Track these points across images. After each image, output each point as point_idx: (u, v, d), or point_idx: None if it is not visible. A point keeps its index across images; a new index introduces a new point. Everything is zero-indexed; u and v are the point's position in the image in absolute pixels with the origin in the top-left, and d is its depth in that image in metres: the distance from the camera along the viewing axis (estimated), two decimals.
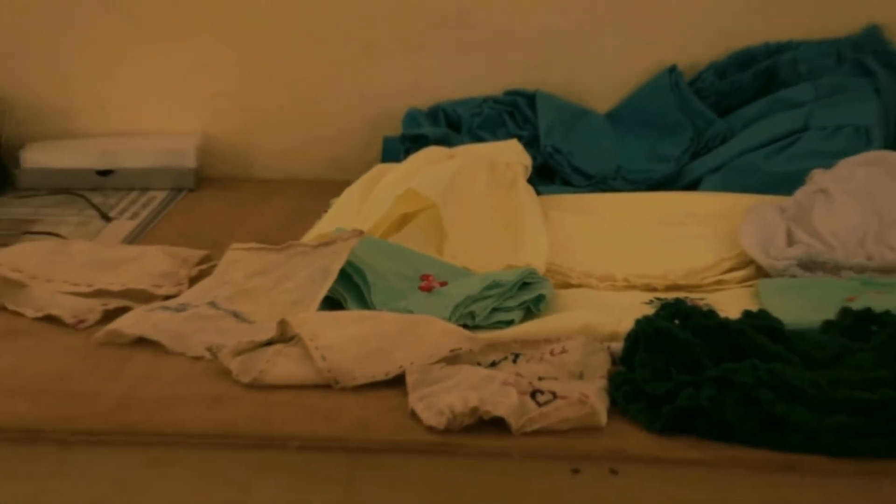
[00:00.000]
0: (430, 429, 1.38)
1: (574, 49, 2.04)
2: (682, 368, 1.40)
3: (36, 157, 2.03)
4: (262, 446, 1.42)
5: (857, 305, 1.50)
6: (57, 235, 1.85)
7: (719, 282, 1.69)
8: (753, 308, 1.49)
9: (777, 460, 1.35)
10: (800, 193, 1.76)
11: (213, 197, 2.02)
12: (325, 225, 1.83)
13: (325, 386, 1.46)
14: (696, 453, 1.36)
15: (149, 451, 1.43)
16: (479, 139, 1.99)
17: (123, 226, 1.92)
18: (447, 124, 2.03)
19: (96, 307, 1.62)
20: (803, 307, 1.54)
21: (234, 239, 1.74)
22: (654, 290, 1.67)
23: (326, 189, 1.95)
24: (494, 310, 1.59)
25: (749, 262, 1.70)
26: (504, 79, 2.05)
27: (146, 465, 1.44)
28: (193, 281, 1.70)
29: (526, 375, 1.42)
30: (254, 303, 1.62)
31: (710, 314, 1.45)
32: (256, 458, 1.42)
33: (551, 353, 1.47)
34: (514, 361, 1.47)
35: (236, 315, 1.59)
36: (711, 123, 2.00)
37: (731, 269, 1.70)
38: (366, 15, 2.06)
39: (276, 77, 2.09)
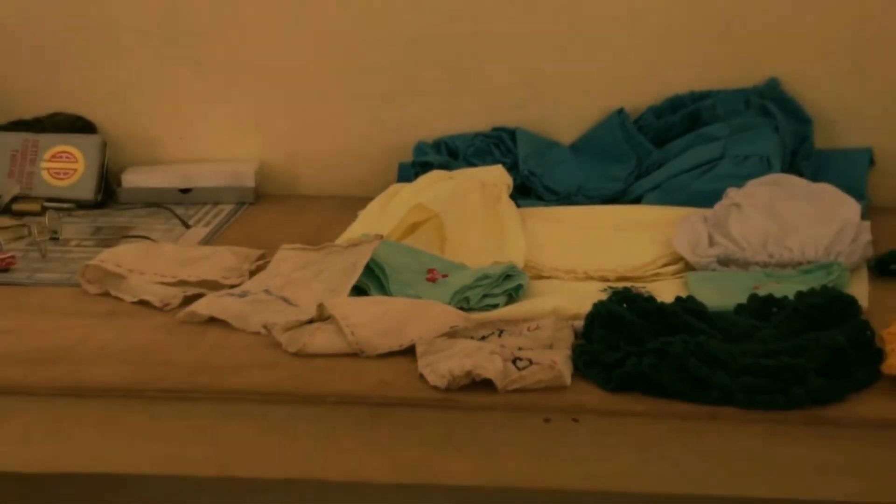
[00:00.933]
0: (435, 388, 1.38)
1: (545, 96, 2.04)
2: (628, 341, 1.40)
3: (132, 179, 2.03)
4: (305, 402, 1.43)
5: (761, 293, 1.50)
6: (149, 239, 1.85)
7: (657, 274, 1.68)
8: (683, 295, 1.49)
9: (702, 412, 1.35)
10: (718, 207, 1.75)
11: (267, 209, 2.02)
12: (354, 230, 1.82)
13: (354, 354, 1.46)
14: (640, 407, 1.37)
15: (218, 405, 1.44)
16: (472, 165, 1.98)
17: (199, 231, 1.92)
18: (448, 153, 2.01)
19: (178, 294, 1.62)
20: (721, 294, 1.53)
21: (284, 241, 1.74)
22: (607, 280, 1.66)
23: (354, 203, 1.95)
24: (484, 296, 1.58)
25: (680, 259, 1.69)
26: (491, 118, 2.05)
27: (216, 416, 1.45)
28: (252, 273, 1.69)
29: (508, 347, 1.42)
30: (298, 290, 1.61)
31: (650, 299, 1.45)
32: (301, 410, 1.43)
33: (528, 329, 1.47)
34: (500, 336, 1.47)
35: (285, 300, 1.59)
36: (650, 153, 1.98)
37: (666, 265, 1.70)
38: (385, 69, 2.06)
39: (315, 117, 2.09)
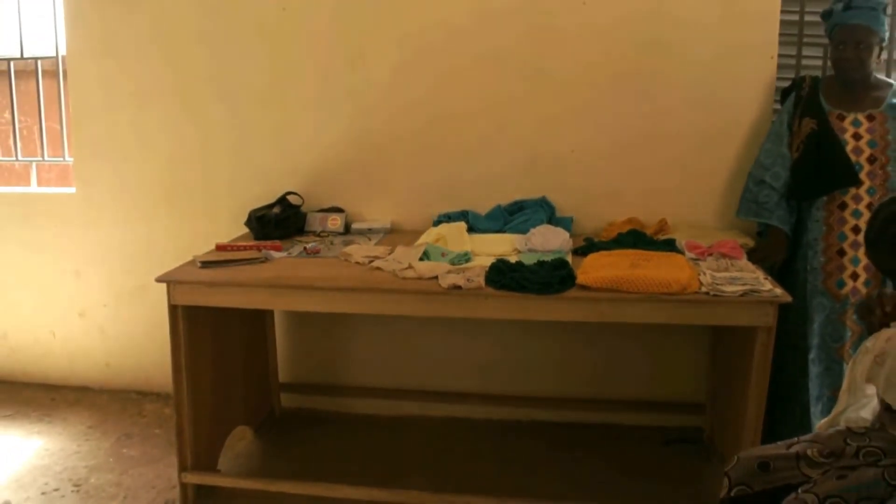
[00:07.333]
0: (444, 288, 1.36)
1: (472, 198, 1.85)
2: (503, 273, 1.40)
3: (355, 226, 1.83)
4: (401, 292, 1.38)
5: (541, 259, 1.48)
6: (359, 244, 1.69)
7: (510, 255, 1.59)
8: (518, 260, 1.48)
9: (523, 296, 1.35)
10: (528, 234, 1.67)
11: (394, 234, 1.82)
12: (419, 240, 1.71)
13: (419, 278, 1.42)
14: (504, 293, 1.36)
15: (380, 293, 1.39)
16: (456, 221, 1.84)
17: (372, 241, 1.74)
18: (448, 218, 1.84)
19: (367, 259, 1.56)
20: (530, 260, 1.50)
21: (399, 244, 1.64)
22: (496, 256, 1.58)
23: (419, 233, 1.77)
24: (458, 261, 1.54)
25: (517, 249, 1.63)
26: (462, 205, 1.87)
27: (379, 297, 1.39)
28: (390, 253, 1.58)
29: (466, 275, 1.41)
30: (403, 258, 1.53)
31: (509, 262, 1.44)
32: (400, 296, 1.38)
33: (472, 270, 1.44)
34: (463, 272, 1.43)
35: (399, 262, 1.52)
36: (507, 217, 1.83)
37: (513, 251, 1.63)
38: (432, 190, 1.84)
39: (411, 208, 1.85)
